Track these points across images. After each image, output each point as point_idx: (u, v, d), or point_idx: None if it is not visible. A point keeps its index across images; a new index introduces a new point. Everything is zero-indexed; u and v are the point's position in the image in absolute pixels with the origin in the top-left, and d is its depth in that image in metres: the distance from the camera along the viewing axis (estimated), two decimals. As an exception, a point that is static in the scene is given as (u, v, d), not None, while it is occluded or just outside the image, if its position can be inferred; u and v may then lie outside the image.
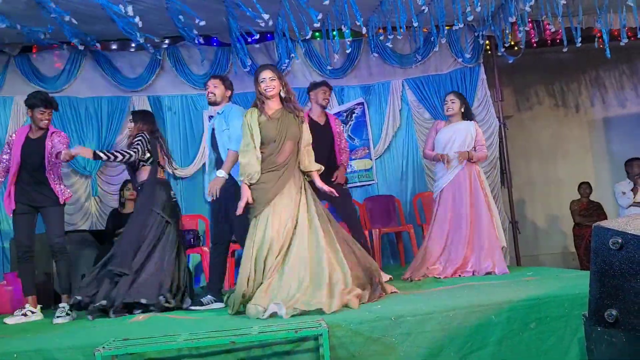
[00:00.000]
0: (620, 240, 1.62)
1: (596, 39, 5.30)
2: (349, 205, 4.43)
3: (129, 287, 3.58)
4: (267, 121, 3.30)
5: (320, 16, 4.52)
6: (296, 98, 3.53)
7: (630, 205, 5.55)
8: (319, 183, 3.41)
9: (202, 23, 4.65)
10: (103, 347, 2.31)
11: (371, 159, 6.08)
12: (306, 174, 3.40)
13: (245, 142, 3.30)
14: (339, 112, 5.97)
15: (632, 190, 5.69)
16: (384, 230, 5.44)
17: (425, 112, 6.06)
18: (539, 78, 7.54)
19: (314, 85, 4.50)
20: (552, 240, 7.35)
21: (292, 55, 5.65)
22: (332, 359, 2.41)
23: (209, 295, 3.72)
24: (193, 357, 2.45)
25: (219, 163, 3.83)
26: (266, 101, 3.35)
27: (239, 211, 3.27)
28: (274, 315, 2.86)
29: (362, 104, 6.08)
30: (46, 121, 3.81)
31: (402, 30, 5.08)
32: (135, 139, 3.87)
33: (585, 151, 7.60)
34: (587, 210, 6.50)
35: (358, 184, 6.06)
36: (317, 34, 5.89)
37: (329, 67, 5.94)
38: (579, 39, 5.15)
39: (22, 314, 3.67)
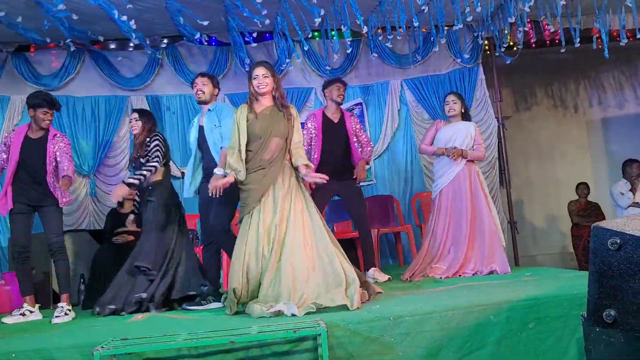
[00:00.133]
0: (618, 241, 1.62)
1: (595, 40, 5.31)
2: (361, 203, 4.44)
3: (171, 282, 3.66)
4: (255, 118, 3.30)
5: (322, 12, 4.50)
6: (286, 97, 3.49)
7: (629, 206, 5.56)
8: (304, 170, 3.28)
9: (206, 23, 4.66)
10: (102, 347, 2.30)
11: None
12: (296, 169, 3.34)
13: (233, 141, 3.31)
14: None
15: (630, 190, 5.70)
16: (382, 230, 5.44)
17: (424, 112, 6.07)
18: (537, 78, 7.55)
19: (328, 83, 4.50)
20: (551, 241, 7.36)
21: (293, 54, 5.65)
22: (331, 358, 2.41)
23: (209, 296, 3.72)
24: (192, 357, 2.45)
25: (204, 160, 3.81)
26: (259, 98, 3.35)
27: (216, 190, 3.28)
28: (279, 313, 2.85)
29: (360, 104, 6.08)
30: (48, 121, 3.80)
31: (401, 31, 5.08)
32: (153, 146, 3.84)
33: (583, 152, 7.61)
34: (585, 211, 6.51)
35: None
36: (316, 34, 5.90)
37: (327, 67, 5.95)
38: (577, 40, 5.16)
39: (21, 314, 3.66)
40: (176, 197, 4.00)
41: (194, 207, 5.64)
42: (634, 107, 7.61)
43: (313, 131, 4.39)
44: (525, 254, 6.81)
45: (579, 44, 5.19)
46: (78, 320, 3.58)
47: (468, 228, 4.26)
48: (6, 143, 3.84)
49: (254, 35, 5.16)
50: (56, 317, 3.51)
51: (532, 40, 5.64)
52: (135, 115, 4.04)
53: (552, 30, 5.30)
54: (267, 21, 4.68)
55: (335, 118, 4.45)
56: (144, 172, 3.72)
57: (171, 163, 4.20)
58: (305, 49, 5.64)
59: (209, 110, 3.84)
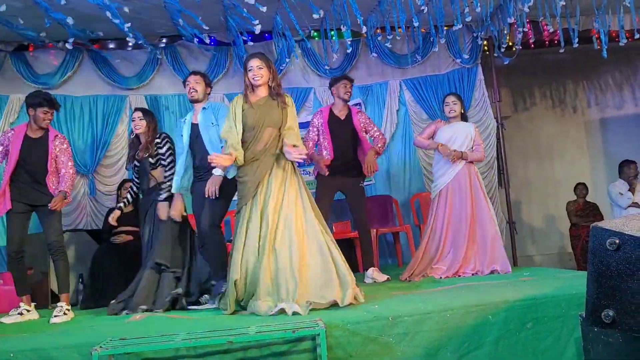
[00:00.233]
0: (617, 241, 1.63)
1: (594, 40, 5.31)
2: (363, 203, 4.46)
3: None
4: (249, 108, 3.30)
5: (321, 13, 4.50)
6: (282, 88, 3.46)
7: (629, 206, 5.57)
8: (287, 148, 3.21)
9: (206, 27, 4.65)
10: (100, 347, 2.30)
11: (369, 159, 6.08)
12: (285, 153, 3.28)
13: (228, 125, 3.31)
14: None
15: (629, 190, 5.71)
16: (381, 230, 5.44)
17: (423, 112, 6.07)
18: (536, 79, 7.56)
19: (335, 80, 4.53)
20: (549, 241, 7.36)
21: (292, 54, 5.65)
22: (330, 359, 2.41)
23: (205, 295, 3.72)
24: (190, 357, 2.45)
25: (198, 159, 3.78)
26: (254, 89, 3.35)
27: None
28: (282, 311, 2.87)
29: (359, 104, 6.08)
30: (48, 121, 3.80)
31: (400, 31, 5.08)
32: (166, 149, 3.91)
33: (582, 152, 7.62)
34: (584, 211, 6.52)
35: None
36: (315, 34, 5.89)
37: (326, 67, 5.95)
38: (576, 40, 5.16)
39: (18, 313, 3.65)
40: None
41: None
42: (632, 107, 7.62)
43: (320, 127, 4.41)
44: (524, 254, 6.82)
45: (577, 44, 5.19)
46: (77, 320, 3.57)
47: (467, 228, 4.26)
48: (3, 142, 3.82)
49: (256, 31, 5.08)
50: (55, 316, 3.51)
51: (531, 41, 5.64)
52: (139, 114, 4.03)
53: (551, 30, 5.31)
54: (259, 25, 4.65)
55: (342, 115, 4.47)
56: (169, 183, 3.81)
57: None
58: (301, 51, 5.65)
59: (203, 108, 3.83)
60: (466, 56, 5.98)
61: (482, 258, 4.21)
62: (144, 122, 3.98)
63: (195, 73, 3.95)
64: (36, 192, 3.74)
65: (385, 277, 4.25)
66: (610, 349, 1.65)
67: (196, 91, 3.82)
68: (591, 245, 1.70)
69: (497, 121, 6.02)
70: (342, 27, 5.00)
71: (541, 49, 6.42)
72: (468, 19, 5.05)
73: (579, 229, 6.36)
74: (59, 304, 3.64)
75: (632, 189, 5.68)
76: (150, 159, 3.89)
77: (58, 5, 4.33)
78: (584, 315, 1.78)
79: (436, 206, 4.42)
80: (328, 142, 4.36)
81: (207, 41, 5.41)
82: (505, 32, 5.52)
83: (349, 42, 5.35)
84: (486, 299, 2.75)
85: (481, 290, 3.21)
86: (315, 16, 4.48)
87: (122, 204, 4.25)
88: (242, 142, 3.27)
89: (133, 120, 4.05)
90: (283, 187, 3.20)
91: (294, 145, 3.20)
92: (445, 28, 5.48)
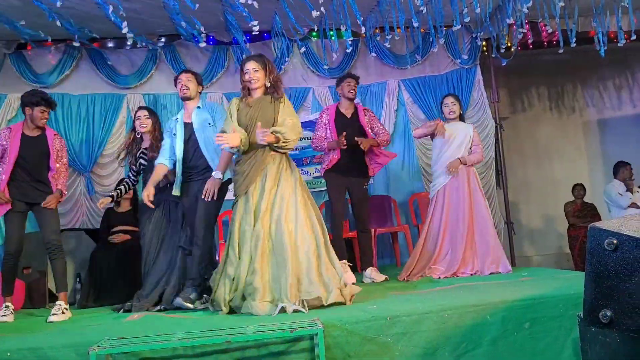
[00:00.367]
0: (615, 241, 1.63)
1: (595, 40, 5.32)
2: (365, 204, 4.49)
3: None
4: (244, 108, 3.35)
5: (319, 13, 4.50)
6: (281, 82, 3.47)
7: (629, 206, 5.59)
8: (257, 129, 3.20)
9: (203, 29, 4.64)
10: (98, 346, 2.29)
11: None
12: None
13: (226, 122, 3.38)
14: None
15: (627, 191, 5.72)
16: (380, 230, 5.45)
17: (421, 112, 6.07)
18: (535, 79, 7.57)
19: (339, 80, 4.57)
20: (547, 241, 7.37)
21: (292, 53, 5.64)
22: (328, 358, 2.41)
23: (205, 295, 3.69)
24: (188, 357, 2.44)
25: (191, 159, 3.75)
26: (251, 92, 3.39)
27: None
28: (283, 310, 2.88)
29: (358, 104, 6.08)
30: (45, 120, 3.81)
31: (400, 31, 5.08)
32: None
33: (580, 153, 7.63)
34: (582, 212, 6.53)
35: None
36: (314, 33, 5.89)
37: (325, 67, 5.94)
38: (574, 40, 5.17)
39: (9, 313, 3.60)
40: None
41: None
42: (630, 108, 7.63)
43: (327, 125, 4.42)
44: (522, 255, 6.84)
45: (575, 45, 5.19)
46: (74, 319, 3.56)
47: (466, 228, 4.27)
48: (0, 142, 3.80)
49: (256, 30, 5.07)
50: (53, 314, 3.50)
51: (529, 42, 5.64)
52: (145, 112, 4.02)
53: (549, 31, 5.31)
54: (257, 27, 4.65)
55: (348, 113, 4.49)
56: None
57: None
58: (302, 50, 5.63)
59: (198, 107, 3.82)
60: (465, 57, 5.99)
61: (482, 259, 4.21)
62: (149, 121, 3.97)
63: (186, 71, 3.97)
64: (36, 190, 3.74)
65: (383, 277, 4.26)
66: (608, 349, 1.65)
67: (188, 88, 3.81)
68: (589, 245, 1.70)
69: (495, 122, 6.02)
70: (341, 27, 5.00)
71: (540, 50, 6.42)
72: (467, 19, 5.06)
73: (577, 229, 6.37)
74: (57, 302, 3.63)
75: (630, 190, 5.70)
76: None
77: (57, 5, 4.31)
78: (581, 316, 1.78)
79: (434, 206, 4.43)
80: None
81: (204, 40, 5.39)
82: (504, 32, 5.52)
83: (349, 42, 5.35)
84: (484, 299, 2.75)
85: (479, 291, 3.21)
86: (315, 13, 4.48)
87: (114, 193, 4.20)
88: None
89: (138, 119, 4.03)
90: (276, 185, 3.22)
91: (274, 132, 3.18)
92: (444, 28, 5.48)
